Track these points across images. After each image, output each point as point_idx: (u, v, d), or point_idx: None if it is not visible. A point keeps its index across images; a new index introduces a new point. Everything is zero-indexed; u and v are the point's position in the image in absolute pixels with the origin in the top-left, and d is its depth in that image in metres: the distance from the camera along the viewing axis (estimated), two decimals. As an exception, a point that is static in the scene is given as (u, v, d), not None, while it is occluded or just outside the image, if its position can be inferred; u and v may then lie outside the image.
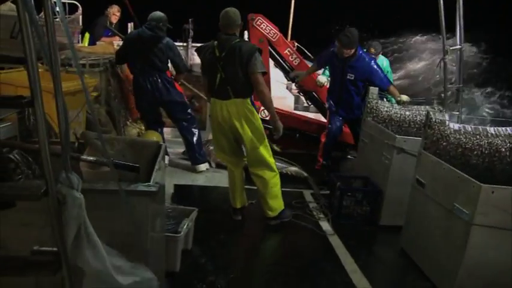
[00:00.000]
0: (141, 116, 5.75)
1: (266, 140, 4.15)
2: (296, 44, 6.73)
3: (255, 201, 4.59)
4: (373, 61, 5.54)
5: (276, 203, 4.25)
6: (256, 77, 3.88)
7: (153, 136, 5.45)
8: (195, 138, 5.58)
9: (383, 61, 6.57)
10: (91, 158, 2.13)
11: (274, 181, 4.20)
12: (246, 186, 4.43)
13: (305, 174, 5.57)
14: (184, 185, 5.09)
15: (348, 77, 5.43)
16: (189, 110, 5.62)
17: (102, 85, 5.10)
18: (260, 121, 4.09)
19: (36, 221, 1.81)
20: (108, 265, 1.71)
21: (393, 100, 5.92)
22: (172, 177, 5.26)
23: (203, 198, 4.87)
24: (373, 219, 4.55)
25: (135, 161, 2.46)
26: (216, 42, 3.97)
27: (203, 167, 5.64)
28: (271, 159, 4.17)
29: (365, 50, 6.15)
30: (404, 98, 5.25)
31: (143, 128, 5.99)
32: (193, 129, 5.59)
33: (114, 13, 9.13)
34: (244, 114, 3.98)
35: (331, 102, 5.71)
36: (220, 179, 5.37)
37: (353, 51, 5.31)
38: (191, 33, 7.65)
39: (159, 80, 5.28)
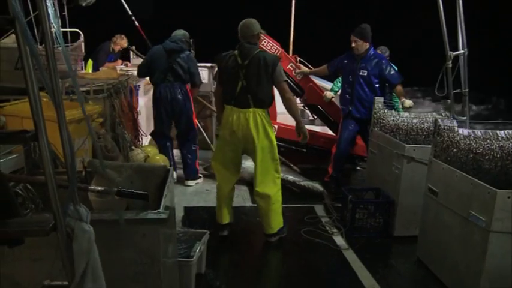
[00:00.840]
0: (155, 130, 5.97)
1: (277, 155, 4.15)
2: (298, 58, 6.72)
3: (259, 218, 4.51)
4: (384, 59, 5.63)
5: (277, 220, 4.23)
6: (283, 85, 4.02)
7: (160, 160, 5.45)
8: (193, 156, 5.85)
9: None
10: (98, 188, 2.10)
11: (277, 198, 4.19)
12: (252, 205, 4.38)
13: (321, 188, 5.56)
14: (194, 207, 5.05)
15: (361, 73, 5.47)
16: (193, 127, 5.86)
17: (106, 111, 5.09)
18: (274, 135, 4.12)
19: (46, 255, 1.78)
20: None
21: (400, 109, 5.88)
22: (182, 199, 5.23)
23: (213, 219, 4.81)
24: (387, 230, 4.48)
25: (143, 186, 2.42)
26: (237, 51, 4.02)
27: (192, 182, 5.89)
28: (277, 175, 4.18)
29: None
30: (408, 103, 5.21)
31: (149, 151, 5.99)
32: (193, 147, 5.85)
33: (122, 45, 9.22)
34: (262, 124, 4.00)
35: (344, 105, 5.73)
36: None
37: (365, 46, 5.40)
38: (193, 53, 7.71)
39: (179, 90, 5.55)
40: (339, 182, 5.59)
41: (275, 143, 4.12)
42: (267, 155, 4.07)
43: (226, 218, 4.32)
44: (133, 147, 5.54)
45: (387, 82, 5.51)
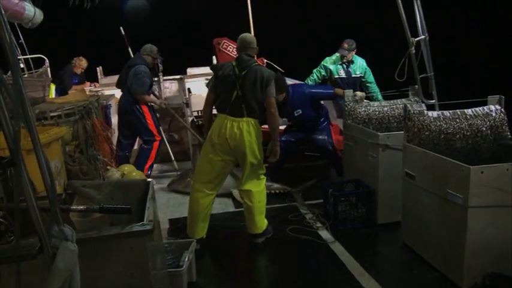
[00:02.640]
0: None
1: (262, 155, 4.26)
2: (265, 60, 6.79)
3: (243, 223, 4.54)
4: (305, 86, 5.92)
5: (262, 219, 4.32)
6: (271, 100, 4.13)
7: (136, 176, 5.47)
8: (142, 157, 6.41)
9: (359, 61, 6.61)
10: (81, 207, 2.11)
11: (262, 197, 4.29)
12: (235, 210, 4.42)
13: (288, 188, 5.63)
14: (178, 218, 5.06)
15: (296, 114, 5.69)
16: (145, 131, 6.37)
17: (79, 133, 5.07)
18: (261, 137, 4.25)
19: (34, 280, 1.79)
20: None
21: (380, 96, 6.08)
22: (166, 212, 5.24)
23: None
24: (371, 219, 4.56)
25: (125, 202, 2.44)
26: (235, 62, 4.18)
27: None
28: (262, 175, 4.31)
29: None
30: (360, 94, 5.31)
31: (126, 168, 5.98)
32: (145, 147, 6.43)
33: (82, 66, 9.22)
34: (254, 133, 4.11)
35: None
36: (213, 206, 5.36)
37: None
38: (161, 67, 7.78)
39: (127, 99, 6.28)
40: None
41: (262, 152, 4.26)
42: (256, 163, 4.19)
43: (198, 233, 4.24)
44: (108, 167, 5.52)
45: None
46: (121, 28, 8.05)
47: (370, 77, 6.60)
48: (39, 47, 8.79)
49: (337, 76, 6.50)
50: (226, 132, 4.08)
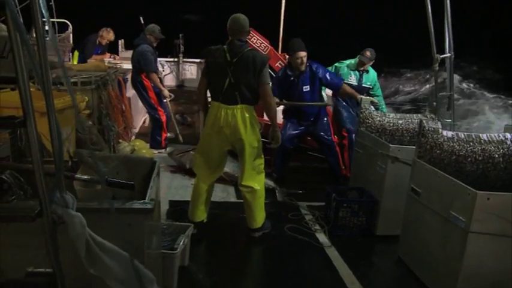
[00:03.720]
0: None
1: (261, 152, 4.22)
2: (288, 56, 6.75)
3: (242, 215, 4.52)
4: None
5: (261, 214, 4.31)
6: (266, 87, 4.03)
7: (146, 154, 5.47)
8: (155, 130, 6.98)
9: (372, 72, 6.57)
10: (85, 177, 2.12)
11: (262, 192, 4.25)
12: (236, 200, 4.41)
13: (273, 185, 5.62)
14: (179, 201, 5.07)
15: (304, 89, 5.70)
16: (152, 107, 6.89)
17: (94, 103, 5.09)
18: (259, 133, 4.17)
19: (30, 242, 1.79)
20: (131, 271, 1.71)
21: (384, 109, 6.02)
22: (167, 193, 5.24)
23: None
24: (370, 229, 4.54)
25: (129, 178, 2.44)
26: (226, 46, 4.01)
27: (155, 151, 6.76)
28: (262, 170, 4.26)
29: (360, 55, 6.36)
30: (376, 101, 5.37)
31: (137, 144, 6.02)
32: (156, 123, 6.94)
33: (109, 38, 9.29)
34: (249, 120, 4.03)
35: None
36: (215, 193, 5.35)
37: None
38: (182, 48, 7.80)
39: (134, 78, 6.82)
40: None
41: (260, 139, 4.17)
42: (254, 151, 4.11)
43: (198, 216, 4.28)
44: (120, 140, 5.54)
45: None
46: (141, 18, 8.04)
47: (379, 91, 6.56)
48: (67, 11, 8.82)
49: (346, 81, 6.43)
50: (220, 121, 4.01)
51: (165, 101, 7.00)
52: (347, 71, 6.44)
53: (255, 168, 4.19)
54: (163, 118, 6.91)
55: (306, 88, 5.64)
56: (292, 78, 5.63)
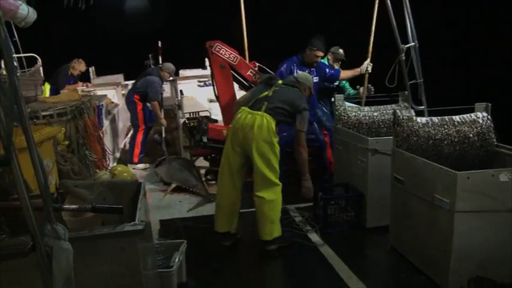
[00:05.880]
0: None
1: (277, 163, 4.05)
2: (257, 64, 6.80)
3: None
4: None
5: (273, 228, 4.08)
6: (301, 135, 4.13)
7: (128, 176, 5.48)
8: (131, 144, 7.60)
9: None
10: (73, 206, 2.12)
11: (274, 204, 4.07)
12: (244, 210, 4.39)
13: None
14: (169, 219, 5.06)
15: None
16: (136, 123, 7.57)
17: (71, 133, 5.05)
18: (278, 146, 4.04)
19: (24, 279, 1.79)
20: None
21: (350, 92, 6.24)
22: (156, 213, 5.23)
23: (190, 229, 4.83)
24: (360, 223, 4.59)
25: (116, 202, 2.45)
26: (282, 81, 4.38)
27: (130, 166, 7.21)
28: (276, 181, 4.06)
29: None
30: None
31: (119, 170, 6.02)
32: (134, 137, 7.58)
33: (80, 69, 9.43)
34: (267, 129, 3.95)
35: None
36: (204, 208, 5.38)
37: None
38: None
39: (129, 95, 7.68)
40: None
41: (277, 152, 4.03)
42: (265, 160, 3.97)
43: (221, 227, 4.25)
44: (96, 170, 5.51)
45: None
46: (159, 42, 8.23)
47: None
48: (32, 45, 8.76)
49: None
50: (239, 122, 4.03)
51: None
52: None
53: (266, 180, 4.01)
54: (140, 137, 7.48)
55: (316, 79, 5.69)
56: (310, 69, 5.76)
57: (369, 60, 5.78)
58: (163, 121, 7.47)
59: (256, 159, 3.97)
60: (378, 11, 5.32)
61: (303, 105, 4.10)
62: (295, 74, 5.48)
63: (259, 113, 4.00)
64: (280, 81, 4.32)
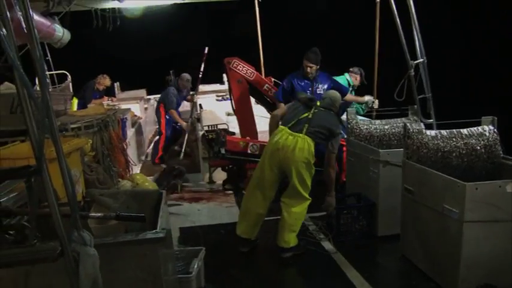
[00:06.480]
0: None
1: (310, 181, 4.11)
2: (273, 79, 6.83)
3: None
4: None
5: (292, 237, 4.16)
6: (331, 156, 4.18)
7: (149, 186, 5.51)
8: (155, 150, 8.20)
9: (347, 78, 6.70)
10: (99, 214, 2.14)
11: (299, 216, 4.17)
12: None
13: None
14: (188, 227, 5.07)
15: (317, 91, 5.70)
16: (160, 131, 8.17)
17: (97, 144, 5.12)
18: (314, 167, 4.10)
19: (54, 283, 1.81)
20: None
21: (360, 109, 6.22)
22: (176, 220, 5.25)
23: (208, 236, 4.84)
24: (371, 231, 4.55)
25: (139, 210, 2.46)
26: (320, 104, 4.31)
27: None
28: (306, 196, 4.13)
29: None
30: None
31: (138, 178, 6.07)
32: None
33: (105, 84, 9.55)
34: (308, 151, 4.00)
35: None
36: (221, 216, 5.38)
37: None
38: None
39: (156, 107, 8.34)
40: None
41: (313, 172, 4.10)
42: (301, 179, 4.04)
43: (244, 232, 4.28)
44: (119, 180, 5.56)
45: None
46: (206, 48, 8.15)
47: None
48: (61, 63, 8.96)
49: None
50: (280, 142, 4.03)
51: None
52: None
53: (297, 193, 4.08)
54: (162, 142, 8.05)
55: (320, 90, 5.64)
56: (306, 82, 5.70)
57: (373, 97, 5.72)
58: (184, 124, 7.59)
59: (294, 178, 4.04)
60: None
61: (338, 131, 4.18)
62: (297, 86, 5.61)
63: (301, 135, 4.03)
64: (318, 103, 4.30)
